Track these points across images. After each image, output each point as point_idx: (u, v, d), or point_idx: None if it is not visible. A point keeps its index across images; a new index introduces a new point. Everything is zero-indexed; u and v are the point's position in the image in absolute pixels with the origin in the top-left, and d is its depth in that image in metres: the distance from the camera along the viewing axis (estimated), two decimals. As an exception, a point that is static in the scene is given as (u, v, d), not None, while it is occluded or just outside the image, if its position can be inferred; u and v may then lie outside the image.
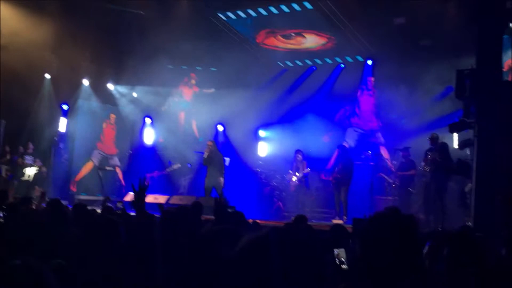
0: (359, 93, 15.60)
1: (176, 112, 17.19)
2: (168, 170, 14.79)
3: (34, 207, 8.79)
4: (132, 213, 6.99)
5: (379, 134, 14.92)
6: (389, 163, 13.33)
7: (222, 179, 12.76)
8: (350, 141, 14.98)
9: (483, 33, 8.63)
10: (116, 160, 15.73)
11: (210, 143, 13.17)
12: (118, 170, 15.53)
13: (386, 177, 12.52)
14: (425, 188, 11.22)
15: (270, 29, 15.00)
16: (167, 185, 14.87)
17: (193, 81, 17.11)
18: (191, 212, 6.96)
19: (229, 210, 7.85)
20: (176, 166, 14.83)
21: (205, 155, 12.89)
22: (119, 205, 8.67)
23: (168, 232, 5.13)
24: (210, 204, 10.28)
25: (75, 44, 14.48)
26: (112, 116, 16.15)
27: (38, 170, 14.40)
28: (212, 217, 7.21)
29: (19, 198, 9.58)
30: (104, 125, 16.06)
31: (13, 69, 13.18)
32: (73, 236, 4.25)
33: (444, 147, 11.28)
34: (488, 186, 8.03)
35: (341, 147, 12.62)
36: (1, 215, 5.68)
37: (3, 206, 6.09)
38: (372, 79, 15.33)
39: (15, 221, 4.86)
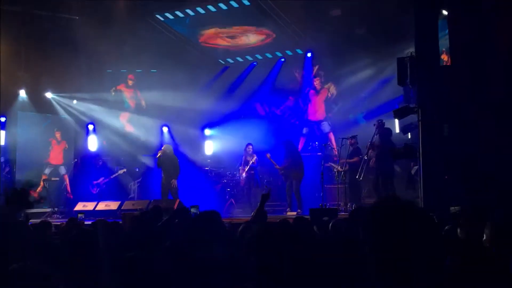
0: (306, 90, 15.82)
1: (118, 114, 16.89)
2: (114, 175, 14.55)
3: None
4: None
5: (325, 123, 15.24)
6: (335, 151, 13.66)
7: (174, 182, 12.73)
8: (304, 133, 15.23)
9: (419, 20, 8.97)
10: (63, 169, 15.35)
11: (165, 146, 13.33)
12: (66, 178, 15.15)
13: (334, 165, 12.80)
14: (374, 174, 11.63)
15: (211, 28, 14.99)
16: (116, 191, 14.61)
17: (130, 82, 16.86)
18: (151, 216, 6.90)
19: (193, 210, 7.87)
20: (121, 171, 14.62)
21: (158, 154, 12.97)
22: (81, 216, 8.48)
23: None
24: (169, 206, 10.36)
25: (8, 53, 13.98)
26: (57, 133, 15.65)
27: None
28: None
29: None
30: (52, 142, 15.55)
31: None
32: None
33: (387, 132, 11.73)
34: (435, 166, 8.40)
35: (286, 142, 12.77)
36: None
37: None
38: (317, 79, 15.59)
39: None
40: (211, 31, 15.21)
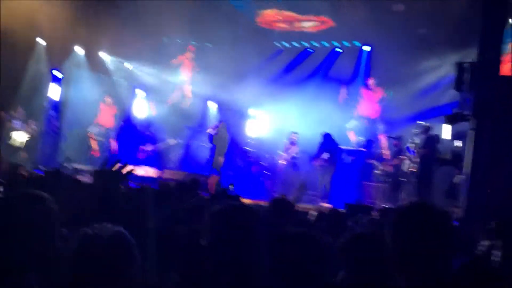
0: (361, 88, 15.54)
1: (171, 85, 17.03)
2: (163, 144, 14.67)
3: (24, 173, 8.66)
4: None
5: (380, 124, 14.95)
6: (384, 152, 13.42)
7: (221, 159, 13.14)
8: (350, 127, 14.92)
9: (486, 27, 8.67)
10: (111, 133, 15.64)
11: (221, 124, 13.73)
12: (112, 142, 15.44)
13: (376, 163, 12.59)
14: (415, 177, 11.40)
15: (271, 8, 14.88)
16: (156, 159, 14.77)
17: (189, 55, 16.90)
18: (188, 187, 6.94)
19: (230, 187, 7.92)
20: (172, 141, 14.73)
21: (214, 132, 13.40)
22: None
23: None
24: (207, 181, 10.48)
25: (68, 10, 14.19)
26: (107, 98, 15.87)
27: (29, 137, 14.17)
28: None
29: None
30: (101, 106, 15.80)
31: (4, 32, 12.89)
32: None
33: (431, 138, 11.43)
34: (484, 178, 8.15)
35: (326, 135, 12.70)
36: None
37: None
38: (372, 80, 15.27)
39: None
40: (269, 11, 15.09)
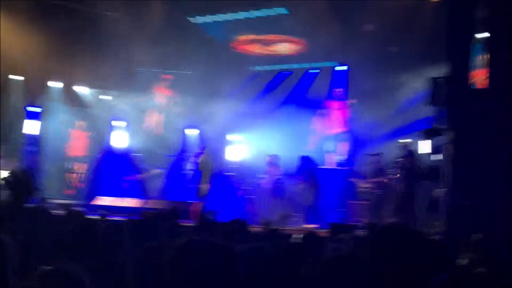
0: (327, 102, 15.69)
1: (146, 113, 17.00)
2: (146, 174, 14.61)
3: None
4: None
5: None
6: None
7: (206, 186, 13.40)
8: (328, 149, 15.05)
9: (452, 43, 8.88)
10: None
11: (206, 149, 13.93)
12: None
13: (358, 181, 12.67)
14: (396, 194, 11.46)
15: (244, 34, 15.05)
16: (137, 189, 14.68)
17: (165, 83, 16.89)
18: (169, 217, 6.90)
19: (209, 216, 7.89)
20: (155, 171, 14.72)
21: (200, 159, 13.51)
22: (101, 211, 8.53)
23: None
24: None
25: (42, 45, 14.19)
26: (80, 123, 15.82)
27: (10, 174, 13.97)
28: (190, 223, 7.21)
29: None
30: (73, 133, 15.71)
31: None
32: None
33: (411, 154, 11.55)
34: (461, 192, 8.24)
35: (303, 158, 12.77)
36: None
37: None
38: (340, 90, 15.46)
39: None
40: (244, 37, 15.25)
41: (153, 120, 16.97)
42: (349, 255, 3.05)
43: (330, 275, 2.88)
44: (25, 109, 15.14)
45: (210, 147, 15.11)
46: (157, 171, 14.75)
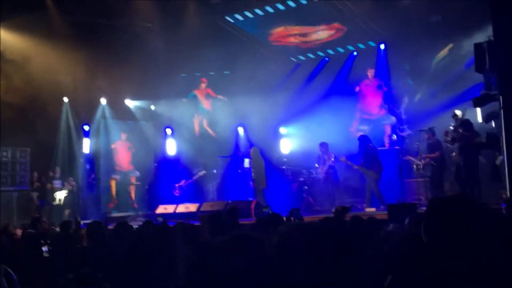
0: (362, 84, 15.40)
1: (193, 118, 17.23)
2: (194, 178, 14.84)
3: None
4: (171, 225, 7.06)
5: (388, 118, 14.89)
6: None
7: (262, 184, 13.65)
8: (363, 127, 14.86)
9: (497, 3, 8.52)
10: (136, 173, 15.95)
11: (252, 149, 14.17)
12: (133, 183, 15.79)
13: (413, 159, 12.38)
14: (456, 166, 11.10)
15: (280, 26, 14.99)
16: (197, 193, 14.91)
17: (203, 85, 17.04)
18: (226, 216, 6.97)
19: (264, 209, 7.92)
20: (201, 173, 14.90)
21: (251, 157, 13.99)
22: (160, 219, 8.72)
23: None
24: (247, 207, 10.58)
25: (87, 64, 14.62)
26: (123, 134, 16.20)
27: (67, 193, 14.59)
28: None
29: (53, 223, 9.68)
30: (113, 146, 16.09)
31: (31, 98, 13.41)
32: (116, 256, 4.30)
33: (468, 123, 11.14)
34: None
35: (361, 137, 12.54)
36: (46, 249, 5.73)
37: (47, 241, 6.17)
38: (372, 70, 15.13)
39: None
40: (280, 29, 15.20)
41: (202, 123, 17.17)
42: (413, 233, 2.94)
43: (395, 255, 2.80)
44: (82, 129, 15.66)
45: (261, 142, 15.19)
46: (203, 172, 14.93)
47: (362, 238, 4.71)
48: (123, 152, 16.03)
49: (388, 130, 14.63)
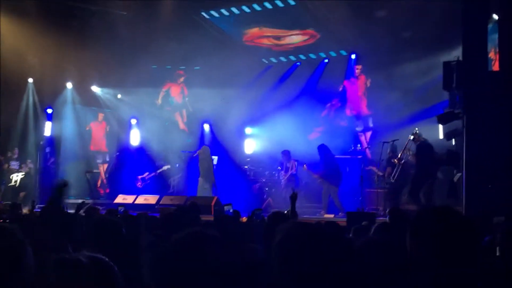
0: (345, 82, 15.67)
1: (163, 110, 17.13)
2: (158, 171, 14.75)
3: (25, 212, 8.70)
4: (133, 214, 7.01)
5: (359, 121, 15.17)
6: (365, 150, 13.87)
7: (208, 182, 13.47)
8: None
9: (467, 24, 8.73)
10: (106, 157, 15.78)
11: (203, 147, 13.96)
12: (101, 170, 15.56)
13: (374, 169, 12.62)
14: (412, 180, 11.36)
15: (255, 27, 15.03)
16: (155, 185, 14.82)
17: (182, 79, 16.99)
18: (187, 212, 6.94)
19: (226, 207, 7.92)
20: (165, 167, 14.82)
21: (195, 154, 13.73)
22: (121, 208, 8.62)
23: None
24: (206, 204, 10.54)
25: (57, 47, 14.33)
26: (100, 114, 16.04)
27: (23, 175, 14.27)
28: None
29: (8, 205, 9.48)
30: (92, 126, 15.93)
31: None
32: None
33: (422, 146, 11.32)
34: (479, 174, 8.16)
35: (321, 147, 12.69)
36: None
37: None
38: (359, 66, 15.43)
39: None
40: (255, 30, 15.24)
41: (170, 116, 17.09)
42: (378, 241, 2.96)
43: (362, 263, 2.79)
44: (45, 111, 15.34)
45: (228, 140, 15.22)
46: (167, 166, 14.87)
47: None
48: (99, 133, 15.86)
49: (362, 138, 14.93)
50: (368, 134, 15.05)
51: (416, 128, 11.57)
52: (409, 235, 2.15)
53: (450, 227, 2.07)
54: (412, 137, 11.35)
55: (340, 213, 11.65)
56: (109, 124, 16.42)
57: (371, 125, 15.11)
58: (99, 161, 15.62)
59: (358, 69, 15.40)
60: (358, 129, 15.18)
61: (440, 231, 2.05)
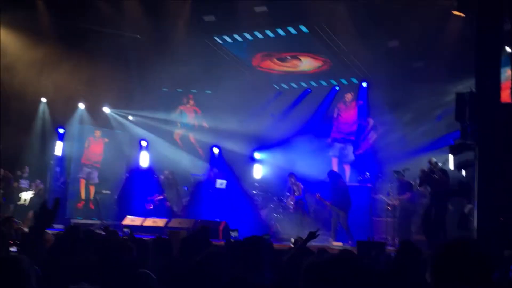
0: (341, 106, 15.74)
1: (172, 132, 17.22)
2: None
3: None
4: (140, 237, 6.97)
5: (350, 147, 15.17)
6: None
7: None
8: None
9: (481, 56, 8.76)
10: (95, 175, 15.72)
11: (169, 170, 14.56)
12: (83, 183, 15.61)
13: (384, 198, 12.55)
14: (425, 210, 11.28)
15: (266, 52, 15.14)
16: (163, 208, 14.76)
17: (191, 102, 17.14)
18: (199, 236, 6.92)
19: (232, 233, 7.90)
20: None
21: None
22: (126, 230, 8.61)
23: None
24: (215, 228, 10.53)
25: (71, 68, 14.47)
26: (97, 132, 16.07)
27: (34, 194, 14.29)
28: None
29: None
30: (86, 143, 15.93)
31: (10, 93, 13.21)
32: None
33: (445, 171, 11.29)
34: (491, 207, 8.10)
35: (331, 173, 12.66)
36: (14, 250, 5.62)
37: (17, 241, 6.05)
38: (350, 94, 15.50)
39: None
40: (266, 56, 15.36)
41: (177, 138, 17.16)
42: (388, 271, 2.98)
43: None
44: (56, 131, 15.42)
45: (237, 164, 15.20)
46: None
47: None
48: (95, 149, 15.89)
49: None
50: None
51: (432, 157, 11.51)
52: (432, 269, 2.15)
53: (473, 262, 2.09)
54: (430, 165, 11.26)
55: (349, 241, 11.55)
56: (118, 146, 16.41)
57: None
58: (81, 175, 15.52)
59: (348, 97, 15.47)
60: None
61: (466, 267, 2.07)
